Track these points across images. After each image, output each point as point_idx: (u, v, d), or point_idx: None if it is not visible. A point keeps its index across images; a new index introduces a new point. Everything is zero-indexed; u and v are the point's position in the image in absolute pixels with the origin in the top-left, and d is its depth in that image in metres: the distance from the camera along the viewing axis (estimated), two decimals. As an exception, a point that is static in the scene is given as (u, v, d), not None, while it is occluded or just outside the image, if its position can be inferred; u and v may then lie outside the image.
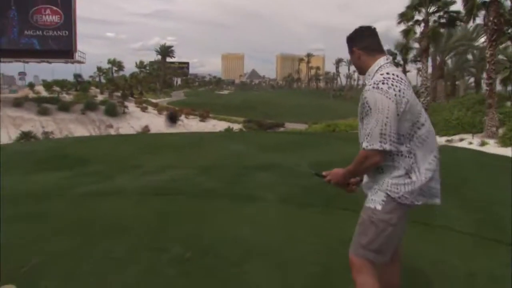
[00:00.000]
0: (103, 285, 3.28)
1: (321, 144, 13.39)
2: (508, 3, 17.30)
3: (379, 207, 2.33)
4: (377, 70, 2.37)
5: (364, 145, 2.25)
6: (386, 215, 2.32)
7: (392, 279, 2.61)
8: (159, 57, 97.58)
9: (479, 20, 18.52)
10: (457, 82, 40.93)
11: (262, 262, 3.68)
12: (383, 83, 2.25)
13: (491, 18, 16.07)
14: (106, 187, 7.14)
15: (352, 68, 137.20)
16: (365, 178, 2.48)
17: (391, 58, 2.49)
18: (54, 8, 47.39)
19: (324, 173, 2.57)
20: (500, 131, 15.86)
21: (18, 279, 3.35)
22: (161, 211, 5.50)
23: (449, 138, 16.82)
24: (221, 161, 9.85)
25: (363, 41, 2.47)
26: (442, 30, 22.10)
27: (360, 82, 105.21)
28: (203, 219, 5.12)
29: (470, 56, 35.22)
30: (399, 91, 2.23)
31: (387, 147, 2.20)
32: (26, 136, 35.04)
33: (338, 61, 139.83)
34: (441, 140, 16.91)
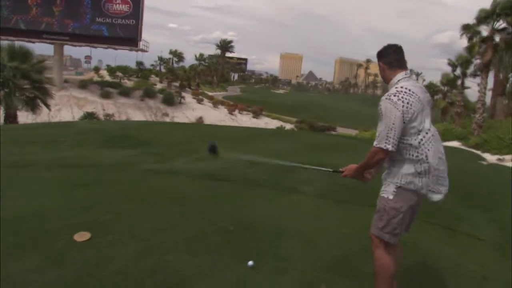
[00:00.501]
0: (158, 243, 3.97)
1: (364, 149, 13.70)
2: None
3: (390, 197, 2.86)
4: (396, 83, 2.89)
5: (374, 143, 2.79)
6: (396, 204, 2.84)
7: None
8: (219, 51, 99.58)
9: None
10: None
11: (293, 242, 4.25)
12: (394, 95, 2.77)
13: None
14: (166, 167, 7.97)
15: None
16: (384, 172, 3.02)
17: (409, 73, 2.99)
18: (125, -3, 49.94)
19: (341, 169, 3.16)
20: (555, 155, 15.48)
21: (93, 229, 4.12)
22: (211, 192, 6.22)
23: (501, 157, 16.57)
24: (270, 155, 10.46)
25: (388, 57, 2.98)
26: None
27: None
28: (247, 202, 5.77)
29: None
30: (407, 103, 2.74)
31: (389, 147, 2.72)
32: (89, 116, 37.27)
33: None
34: (492, 158, 16.71)
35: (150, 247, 3.83)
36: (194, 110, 56.05)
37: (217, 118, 52.30)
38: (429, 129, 2.84)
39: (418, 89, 2.88)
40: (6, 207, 4.58)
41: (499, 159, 16.24)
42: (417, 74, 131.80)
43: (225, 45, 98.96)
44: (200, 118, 50.17)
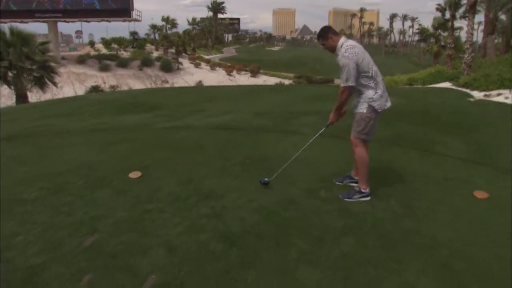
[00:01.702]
0: (193, 175, 5.12)
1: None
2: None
3: (364, 111, 4.26)
4: (342, 44, 4.20)
5: (341, 85, 4.22)
6: (368, 114, 4.27)
7: None
8: (211, 13, 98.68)
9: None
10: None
11: (297, 165, 5.33)
12: (345, 52, 4.13)
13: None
14: (180, 124, 9.07)
15: (407, 23, 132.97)
16: (354, 101, 4.36)
17: (345, 36, 4.39)
18: (113, -33, 49.67)
19: (328, 123, 4.56)
20: (539, 86, 16.30)
21: (142, 169, 5.27)
22: (225, 138, 7.34)
23: (488, 93, 17.48)
24: (272, 108, 11.53)
25: (330, 30, 4.32)
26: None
27: (415, 38, 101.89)
28: (257, 143, 6.90)
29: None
30: (355, 53, 4.12)
31: (351, 83, 4.14)
32: (95, 89, 38.18)
33: (393, 16, 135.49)
34: (480, 95, 17.66)
35: (188, 178, 5.00)
36: (192, 74, 56.65)
37: (216, 80, 52.92)
38: (373, 65, 4.24)
39: (356, 43, 4.27)
40: (58, 163, 5.74)
41: (485, 95, 17.20)
42: (413, 19, 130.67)
43: (216, 7, 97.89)
44: (200, 82, 50.86)
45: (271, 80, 55.29)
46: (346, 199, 4.33)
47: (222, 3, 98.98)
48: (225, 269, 3.08)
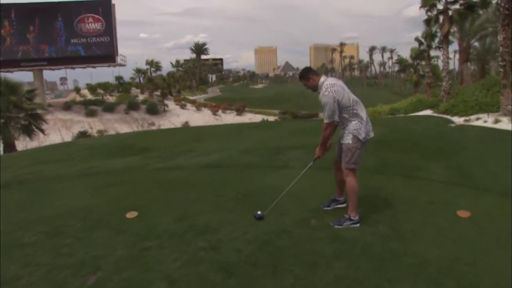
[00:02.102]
0: (188, 211, 5.28)
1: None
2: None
3: (350, 141, 4.54)
4: (323, 83, 4.57)
5: (324, 121, 4.56)
6: (354, 144, 4.53)
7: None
8: (194, 55, 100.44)
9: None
10: (489, 64, 41.28)
11: (289, 197, 5.50)
12: (326, 91, 4.49)
13: (503, 4, 17.17)
14: (170, 164, 9.26)
15: (386, 55, 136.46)
16: (340, 132, 4.62)
17: (324, 76, 4.71)
18: (96, 16, 50.81)
19: (315, 157, 4.87)
20: (516, 109, 16.94)
21: (137, 210, 5.42)
22: (216, 176, 7.53)
23: (467, 118, 18.08)
24: (259, 144, 11.80)
25: (311, 71, 4.74)
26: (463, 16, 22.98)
27: (395, 69, 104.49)
28: (248, 179, 7.10)
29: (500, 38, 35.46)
30: (335, 91, 4.47)
31: (334, 119, 4.49)
32: (83, 135, 38.25)
33: (372, 49, 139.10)
34: (460, 120, 18.22)
35: (183, 215, 5.16)
36: (178, 116, 57.02)
37: (202, 121, 53.35)
38: (354, 99, 4.60)
39: (336, 81, 4.65)
40: (54, 207, 5.89)
41: (465, 120, 17.77)
42: (391, 51, 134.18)
43: (199, 48, 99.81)
44: (186, 122, 51.16)
45: (256, 118, 55.84)
46: (336, 226, 4.53)
47: (205, 44, 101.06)
48: (225, 297, 3.22)
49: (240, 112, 61.12)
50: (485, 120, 16.90)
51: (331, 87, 4.48)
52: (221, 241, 4.27)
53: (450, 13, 22.26)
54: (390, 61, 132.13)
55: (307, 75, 4.65)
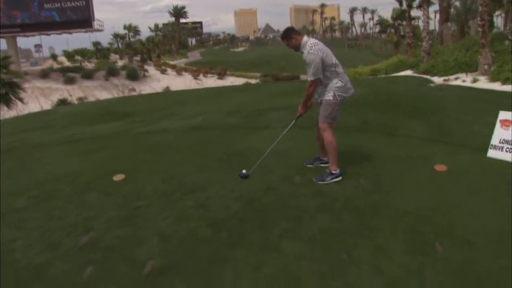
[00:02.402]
0: (175, 173, 5.39)
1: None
2: None
3: (331, 98, 4.69)
4: (306, 42, 4.65)
5: (308, 79, 4.61)
6: (333, 101, 4.69)
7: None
8: (173, 19, 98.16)
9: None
10: (469, 24, 41.40)
11: (273, 156, 5.61)
12: (311, 49, 4.59)
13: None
14: (154, 128, 9.30)
15: (367, 16, 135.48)
16: (319, 90, 4.78)
17: (306, 35, 4.81)
18: (70, -22, 48.89)
19: (297, 115, 4.97)
20: (493, 68, 17.24)
21: (124, 172, 5.50)
22: (200, 138, 7.63)
23: (446, 77, 18.33)
24: (241, 107, 11.86)
25: (293, 31, 4.82)
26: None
27: (376, 30, 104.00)
28: (232, 140, 7.21)
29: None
30: (319, 50, 4.59)
31: (318, 77, 4.61)
32: (62, 102, 37.67)
33: (353, 10, 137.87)
34: (440, 80, 18.48)
35: (170, 176, 5.26)
36: (159, 81, 56.32)
37: (183, 85, 52.80)
38: (336, 59, 4.74)
39: (318, 41, 4.74)
40: (42, 174, 5.92)
41: (445, 80, 18.03)
42: (372, 12, 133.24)
43: (178, 11, 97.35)
44: (167, 87, 50.61)
45: (238, 81, 55.54)
46: (319, 182, 4.70)
47: (184, 7, 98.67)
48: (216, 250, 3.38)
49: (221, 76, 60.67)
50: (463, 80, 17.18)
51: (315, 45, 4.59)
52: (209, 199, 4.42)
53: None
54: (371, 22, 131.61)
55: (290, 35, 4.72)
